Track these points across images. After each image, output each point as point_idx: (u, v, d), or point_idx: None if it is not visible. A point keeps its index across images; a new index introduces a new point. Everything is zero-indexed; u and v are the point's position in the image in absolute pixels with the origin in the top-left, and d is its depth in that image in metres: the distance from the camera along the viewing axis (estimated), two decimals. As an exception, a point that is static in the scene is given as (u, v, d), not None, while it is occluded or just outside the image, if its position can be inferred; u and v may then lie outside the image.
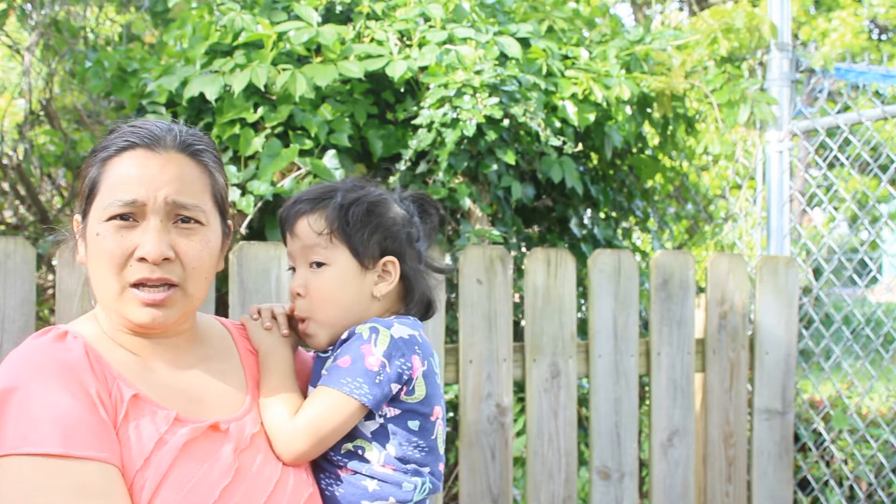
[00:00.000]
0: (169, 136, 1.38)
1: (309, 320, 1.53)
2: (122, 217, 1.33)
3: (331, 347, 1.53)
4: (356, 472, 1.46)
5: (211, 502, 1.27)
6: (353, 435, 1.46)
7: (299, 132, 2.95)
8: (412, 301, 1.58)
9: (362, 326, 1.46)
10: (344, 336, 1.48)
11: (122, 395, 1.30)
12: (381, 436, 1.47)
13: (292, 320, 1.59)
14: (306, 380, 1.57)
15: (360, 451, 1.47)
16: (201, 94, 2.94)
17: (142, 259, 1.32)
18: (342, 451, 1.47)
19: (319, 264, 1.51)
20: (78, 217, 1.42)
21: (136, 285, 1.33)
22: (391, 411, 1.47)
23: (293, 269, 1.56)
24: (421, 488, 1.49)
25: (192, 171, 1.39)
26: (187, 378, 1.42)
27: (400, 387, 1.45)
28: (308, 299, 1.52)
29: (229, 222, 1.51)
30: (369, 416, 1.46)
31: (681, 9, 12.90)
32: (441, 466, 1.55)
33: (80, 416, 1.23)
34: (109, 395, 1.29)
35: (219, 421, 1.37)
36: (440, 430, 1.54)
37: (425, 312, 1.61)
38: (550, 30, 3.51)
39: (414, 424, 1.48)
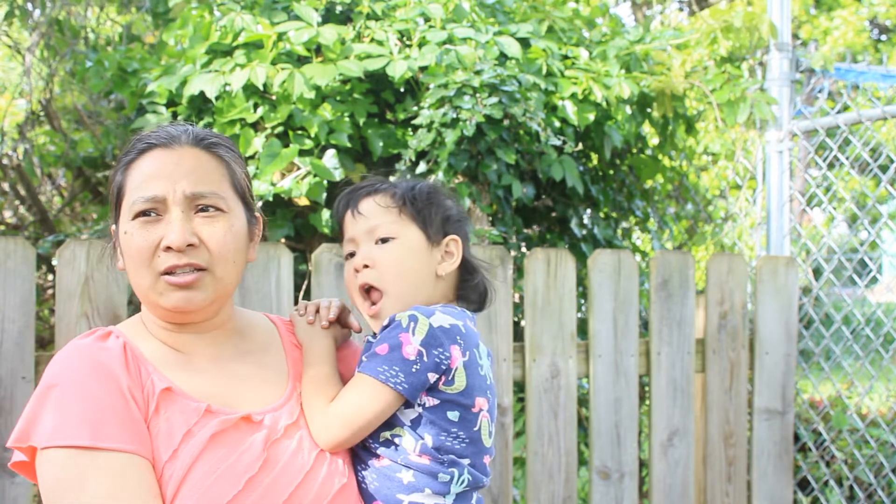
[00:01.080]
0: (184, 134, 1.45)
1: (383, 297, 1.52)
2: (147, 213, 1.39)
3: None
4: (393, 462, 1.46)
5: (235, 493, 1.30)
6: (391, 423, 1.46)
7: (299, 132, 2.95)
8: (469, 287, 1.60)
9: (402, 314, 1.46)
10: (385, 322, 1.48)
11: (154, 389, 1.36)
12: (418, 425, 1.46)
13: (341, 316, 1.61)
14: (348, 372, 1.58)
15: (396, 440, 1.46)
16: (201, 94, 2.94)
17: (168, 248, 1.38)
18: (380, 440, 1.47)
19: (386, 239, 1.52)
20: (113, 226, 1.49)
21: (167, 273, 1.39)
22: (430, 401, 1.46)
23: (351, 254, 1.56)
24: (458, 480, 1.47)
25: (208, 163, 1.44)
26: (226, 371, 1.46)
27: (438, 376, 1.44)
28: (377, 270, 1.52)
29: (257, 213, 1.54)
30: (408, 404, 1.46)
31: (681, 9, 12.90)
32: (486, 459, 1.53)
33: (110, 411, 1.30)
34: (142, 390, 1.35)
35: (251, 412, 1.40)
36: (485, 423, 1.51)
37: (482, 301, 1.62)
38: (550, 30, 3.51)
39: (453, 415, 1.47)
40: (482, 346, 1.55)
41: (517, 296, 3.23)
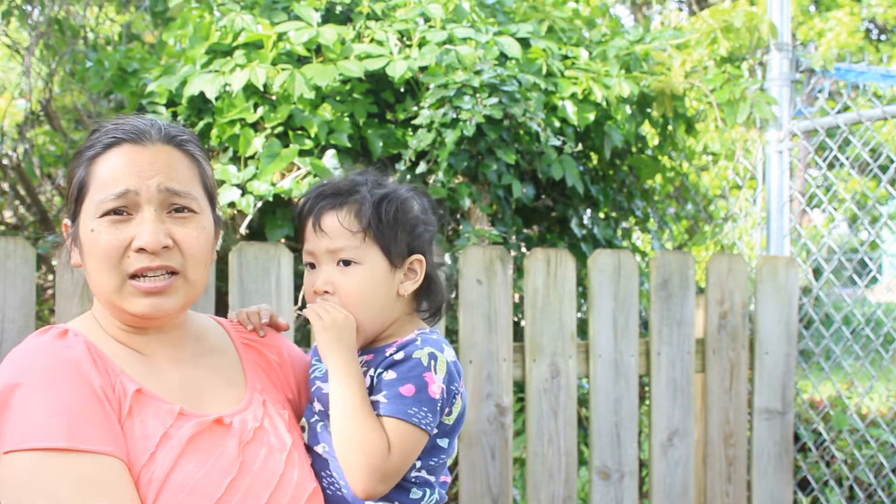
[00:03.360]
0: (153, 129, 1.39)
1: None
2: (117, 211, 1.34)
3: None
4: None
5: (217, 497, 1.28)
6: None
7: (299, 132, 2.95)
8: (431, 300, 1.55)
9: (420, 352, 1.43)
10: (398, 357, 1.44)
11: (125, 390, 1.31)
12: None
13: (271, 319, 1.63)
14: (298, 374, 1.60)
15: None
16: (201, 94, 2.94)
17: (140, 250, 1.32)
18: None
19: (348, 262, 1.47)
20: (67, 221, 1.43)
21: (136, 276, 1.33)
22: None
23: (311, 265, 1.51)
24: (428, 498, 1.48)
25: (181, 161, 1.39)
26: (187, 373, 1.43)
27: (445, 408, 1.45)
28: (338, 298, 1.47)
29: (218, 213, 1.51)
30: None
31: (680, 9, 12.91)
32: (444, 478, 1.54)
33: (84, 411, 1.24)
34: (113, 390, 1.29)
35: (222, 415, 1.38)
36: (455, 443, 1.55)
37: (438, 312, 1.58)
38: (550, 30, 3.51)
39: (443, 442, 1.48)
40: None
41: (517, 296, 3.23)
